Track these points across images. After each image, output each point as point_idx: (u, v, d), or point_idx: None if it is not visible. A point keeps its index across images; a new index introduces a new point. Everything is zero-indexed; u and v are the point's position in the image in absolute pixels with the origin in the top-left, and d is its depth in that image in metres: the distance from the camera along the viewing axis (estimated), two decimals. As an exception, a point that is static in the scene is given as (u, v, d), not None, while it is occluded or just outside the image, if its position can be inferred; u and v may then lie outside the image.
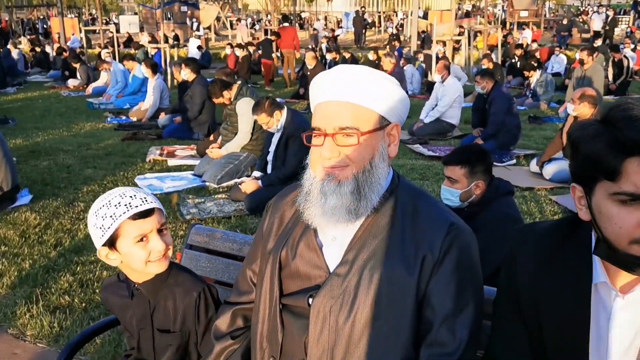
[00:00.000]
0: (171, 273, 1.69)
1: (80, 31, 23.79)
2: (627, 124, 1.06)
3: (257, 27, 34.64)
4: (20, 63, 16.94)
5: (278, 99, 5.88)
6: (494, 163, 6.47)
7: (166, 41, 25.30)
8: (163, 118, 8.63)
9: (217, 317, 1.64)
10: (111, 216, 1.55)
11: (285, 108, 5.07)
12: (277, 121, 4.98)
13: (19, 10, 42.80)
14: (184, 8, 30.20)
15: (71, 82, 13.87)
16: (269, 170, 5.14)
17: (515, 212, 2.93)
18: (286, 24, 20.23)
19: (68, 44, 22.05)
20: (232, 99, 5.81)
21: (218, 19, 33.79)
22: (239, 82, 6.05)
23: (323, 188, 1.40)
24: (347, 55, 16.46)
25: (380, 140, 1.44)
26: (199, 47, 19.85)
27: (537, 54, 16.27)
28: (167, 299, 1.67)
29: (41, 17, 41.77)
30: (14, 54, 16.59)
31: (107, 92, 11.70)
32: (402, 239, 1.40)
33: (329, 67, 10.15)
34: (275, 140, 5.08)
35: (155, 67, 9.49)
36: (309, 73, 12.59)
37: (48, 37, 28.84)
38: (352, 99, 1.40)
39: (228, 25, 32.93)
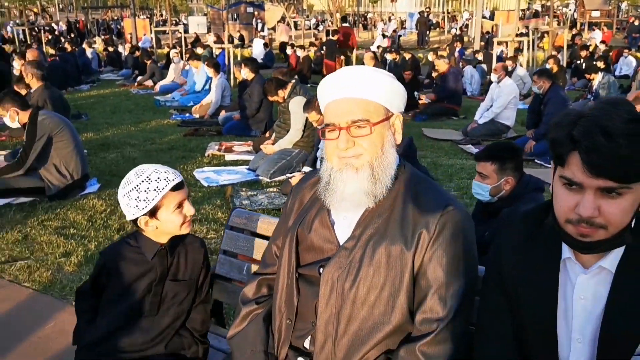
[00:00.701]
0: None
1: (151, 32, 24.79)
2: (581, 124, 1.21)
3: (320, 27, 34.99)
4: (94, 62, 17.88)
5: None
6: (544, 164, 6.56)
7: (231, 41, 26.04)
8: (223, 115, 9.01)
9: (245, 286, 1.88)
10: (155, 189, 1.84)
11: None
12: (327, 119, 5.19)
13: (94, 11, 44.88)
14: (250, 9, 30.90)
15: (141, 79, 14.55)
16: (318, 166, 5.36)
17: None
18: (345, 24, 20.45)
19: (139, 44, 23.05)
20: (285, 97, 6.08)
21: (283, 19, 34.41)
22: (293, 81, 6.30)
23: (342, 176, 1.59)
24: (408, 56, 16.45)
25: (387, 129, 1.62)
26: (265, 45, 20.35)
27: (611, 55, 15.81)
28: (181, 254, 2.01)
29: (115, 17, 43.66)
30: (89, 53, 17.53)
31: (184, 89, 12.22)
32: (402, 219, 1.58)
33: (389, 69, 10.30)
34: (324, 137, 5.30)
35: (217, 67, 9.92)
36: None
37: (121, 37, 30.16)
38: (361, 95, 1.59)
39: (293, 25, 33.49)
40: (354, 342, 1.56)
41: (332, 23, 29.02)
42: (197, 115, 9.93)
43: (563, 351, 1.38)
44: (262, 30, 28.66)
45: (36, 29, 28.19)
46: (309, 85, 14.89)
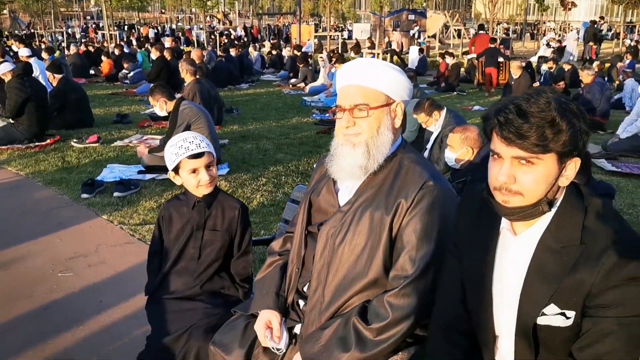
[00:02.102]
0: (220, 193, 2.49)
1: (315, 37, 26.09)
2: (506, 106, 1.42)
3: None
4: (258, 63, 19.32)
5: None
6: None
7: (390, 47, 26.49)
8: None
9: (274, 242, 2.25)
10: (175, 153, 2.35)
11: (445, 109, 5.45)
12: (435, 121, 5.39)
13: (269, 17, 48.01)
14: (412, 16, 31.22)
15: (294, 81, 15.53)
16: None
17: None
18: (481, 32, 20.07)
19: (303, 48, 24.41)
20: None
21: (447, 27, 34.20)
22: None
23: (342, 150, 1.91)
24: (567, 67, 15.68)
25: (386, 114, 1.90)
26: (420, 51, 20.56)
27: None
28: (218, 209, 2.44)
29: (286, 24, 46.36)
30: (254, 55, 19.01)
31: (330, 91, 12.93)
32: (389, 190, 1.86)
33: (544, 78, 10.02)
34: (432, 138, 5.50)
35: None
36: (512, 82, 12.50)
37: (288, 41, 32.05)
38: (363, 82, 1.89)
39: (455, 34, 33.17)
40: (338, 289, 1.87)
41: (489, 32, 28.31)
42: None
43: (497, 311, 1.57)
44: (419, 37, 28.72)
45: (215, 33, 30.97)
46: (455, 93, 14.87)
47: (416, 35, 29.09)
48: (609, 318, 1.38)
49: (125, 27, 38.38)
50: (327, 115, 10.68)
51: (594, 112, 9.52)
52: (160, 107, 5.91)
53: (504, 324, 1.56)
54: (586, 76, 9.32)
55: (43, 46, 16.44)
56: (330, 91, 12.93)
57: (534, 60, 19.14)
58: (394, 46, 26.69)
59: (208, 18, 45.89)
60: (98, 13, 26.40)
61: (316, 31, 34.46)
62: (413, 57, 21.41)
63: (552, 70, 14.65)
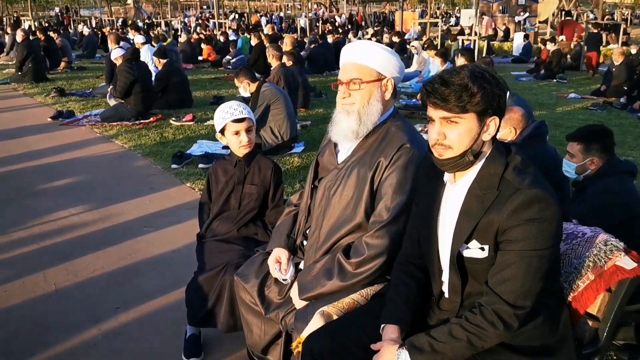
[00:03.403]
0: (258, 154, 2.96)
1: (420, 24, 26.07)
2: (430, 78, 1.75)
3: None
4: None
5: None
6: None
7: (495, 34, 25.88)
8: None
9: (292, 196, 2.69)
10: (222, 117, 2.83)
11: (508, 93, 5.58)
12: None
13: (376, 4, 48.05)
14: (521, 1, 30.20)
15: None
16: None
17: (623, 188, 3.17)
18: (568, 18, 19.17)
19: (406, 35, 24.46)
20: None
21: (564, 11, 32.69)
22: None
23: (339, 117, 2.31)
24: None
25: (377, 88, 2.27)
26: (525, 37, 20.07)
27: None
28: (255, 167, 2.93)
29: (393, 10, 46.22)
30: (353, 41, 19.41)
31: (423, 76, 13.10)
32: (374, 151, 2.24)
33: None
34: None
35: (445, 56, 10.51)
36: (613, 69, 12.04)
37: (393, 28, 32.15)
38: (358, 60, 2.26)
39: (574, 18, 31.65)
40: (330, 230, 2.28)
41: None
42: (421, 101, 10.67)
43: (441, 247, 1.92)
44: (524, 23, 27.75)
45: (321, 20, 31.72)
46: (555, 80, 14.50)
47: (522, 22, 28.12)
48: (513, 251, 1.70)
49: (236, 16, 40.07)
50: (413, 100, 10.91)
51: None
52: (244, 88, 6.51)
53: (444, 258, 1.90)
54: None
55: (154, 32, 17.87)
56: (423, 77, 13.10)
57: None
58: (485, 32, 26.00)
59: (315, 5, 46.87)
60: (213, 2, 27.93)
61: (422, 17, 34.28)
62: (517, 43, 20.92)
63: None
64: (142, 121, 8.27)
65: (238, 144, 2.88)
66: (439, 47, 13.71)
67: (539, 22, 29.17)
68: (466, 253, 1.80)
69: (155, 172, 6.07)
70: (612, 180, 3.19)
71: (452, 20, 45.64)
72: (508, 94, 5.61)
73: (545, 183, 1.77)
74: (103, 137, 7.67)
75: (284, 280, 2.41)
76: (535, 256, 1.68)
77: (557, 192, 3.28)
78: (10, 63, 14.24)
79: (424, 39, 20.02)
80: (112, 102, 8.98)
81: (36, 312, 3.39)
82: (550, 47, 15.39)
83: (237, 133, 2.86)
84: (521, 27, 26.53)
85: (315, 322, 2.08)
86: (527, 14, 28.81)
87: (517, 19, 28.33)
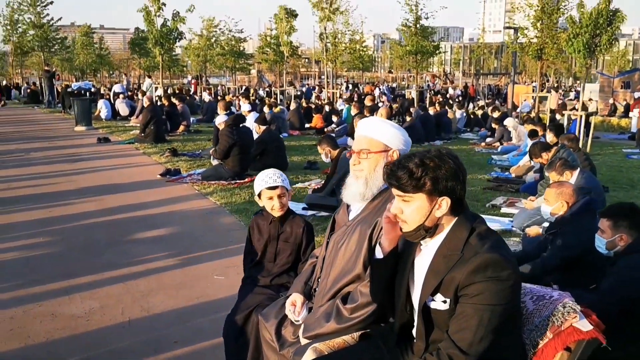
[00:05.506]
0: (291, 214, 3.31)
1: (532, 97, 25.67)
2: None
3: None
4: (462, 121, 19.88)
5: None
6: None
7: (614, 110, 24.86)
8: (531, 176, 9.57)
9: (316, 249, 3.05)
10: (259, 184, 3.25)
11: (578, 170, 5.64)
12: (566, 180, 5.61)
13: (492, 77, 47.85)
14: (644, 77, 28.95)
15: (490, 140, 15.80)
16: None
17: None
18: None
19: (519, 108, 24.25)
20: (548, 160, 6.57)
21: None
22: (557, 146, 6.71)
23: (350, 181, 2.68)
24: None
25: (383, 157, 2.62)
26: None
27: None
28: (288, 226, 3.29)
29: (507, 83, 45.86)
30: (457, 113, 19.64)
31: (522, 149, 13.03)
32: (376, 212, 2.57)
33: None
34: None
35: (534, 132, 10.48)
36: None
37: (506, 101, 31.87)
38: (368, 133, 2.64)
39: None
40: (335, 279, 2.62)
41: None
42: (513, 175, 10.63)
43: (414, 299, 2.18)
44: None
45: (432, 91, 32.19)
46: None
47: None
48: (468, 304, 1.95)
49: (350, 85, 41.67)
50: (506, 173, 10.88)
51: None
52: (325, 154, 7.02)
53: (415, 309, 2.17)
54: None
55: (268, 101, 19.26)
56: (521, 150, 13.01)
57: None
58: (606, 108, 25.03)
59: (427, 78, 47.62)
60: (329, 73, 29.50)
61: (541, 90, 33.74)
62: (635, 120, 20.09)
63: None
64: (237, 181, 9.01)
65: (270, 207, 3.30)
66: (546, 122, 13.60)
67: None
68: (432, 305, 2.06)
69: (237, 228, 6.64)
70: (638, 257, 3.25)
71: (572, 94, 44.43)
72: (577, 170, 5.67)
73: (504, 249, 2.02)
74: (200, 194, 8.46)
75: (297, 321, 2.74)
76: (487, 310, 1.92)
77: (599, 266, 3.42)
78: (138, 125, 15.92)
79: (533, 113, 19.80)
80: (214, 163, 9.87)
81: (110, 340, 3.95)
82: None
83: (270, 198, 3.28)
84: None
85: (308, 356, 2.39)
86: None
87: (636, 94, 27.20)
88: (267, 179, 3.29)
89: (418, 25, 24.56)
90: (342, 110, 19.02)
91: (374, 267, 2.29)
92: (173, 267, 5.33)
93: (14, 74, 44.77)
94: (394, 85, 47.40)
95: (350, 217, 2.72)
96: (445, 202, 2.05)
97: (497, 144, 15.26)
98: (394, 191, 2.08)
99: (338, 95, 27.80)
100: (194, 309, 4.43)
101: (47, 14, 30.97)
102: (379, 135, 2.62)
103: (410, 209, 2.06)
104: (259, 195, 3.34)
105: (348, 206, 2.77)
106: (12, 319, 4.25)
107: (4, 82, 40.65)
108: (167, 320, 4.24)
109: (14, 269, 5.29)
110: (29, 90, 31.31)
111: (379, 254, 2.26)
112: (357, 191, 2.62)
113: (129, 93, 26.36)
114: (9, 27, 31.98)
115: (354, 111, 14.05)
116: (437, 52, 26.80)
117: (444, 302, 2.03)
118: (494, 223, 6.90)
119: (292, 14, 27.17)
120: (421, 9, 24.43)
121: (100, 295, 4.67)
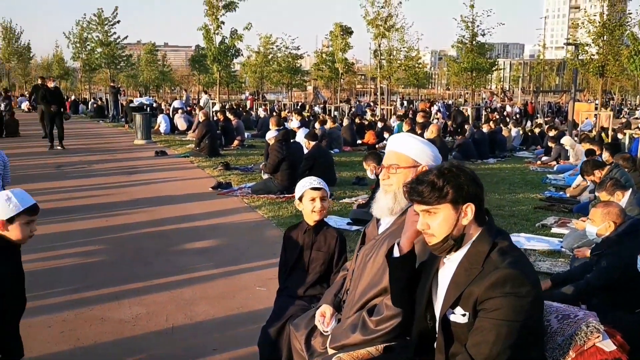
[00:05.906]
0: (326, 224, 3.39)
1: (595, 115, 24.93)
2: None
3: None
4: (517, 139, 19.51)
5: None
6: None
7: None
8: (586, 196, 9.31)
9: (348, 262, 3.10)
10: (303, 186, 3.36)
11: (630, 191, 5.47)
12: (617, 201, 5.45)
13: (553, 95, 46.77)
14: None
15: (546, 159, 15.45)
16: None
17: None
18: None
19: (580, 127, 23.64)
20: (600, 179, 6.40)
21: None
22: (610, 165, 6.52)
23: (379, 195, 2.74)
24: None
25: (412, 173, 2.66)
26: None
27: None
28: (322, 235, 3.37)
29: (568, 101, 44.68)
30: (513, 131, 19.29)
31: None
32: (402, 228, 2.60)
33: None
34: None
35: (593, 152, 10.19)
36: None
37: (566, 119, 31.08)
38: (397, 149, 2.69)
39: None
40: (363, 292, 2.66)
41: None
42: (568, 195, 10.36)
43: (436, 312, 2.20)
44: None
45: (489, 108, 31.78)
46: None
47: None
48: (486, 319, 1.97)
49: (405, 102, 41.59)
50: (560, 193, 10.61)
51: None
52: (370, 170, 7.07)
53: (437, 321, 2.19)
54: None
55: (322, 117, 19.47)
56: (577, 169, 12.65)
57: None
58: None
59: (485, 95, 46.98)
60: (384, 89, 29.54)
61: (605, 108, 32.75)
62: None
63: None
64: (286, 195, 9.15)
65: (312, 208, 3.38)
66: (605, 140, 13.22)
67: None
68: (452, 317, 2.09)
69: (281, 241, 6.72)
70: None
71: (638, 113, 42.93)
72: (629, 191, 5.52)
73: (525, 265, 2.03)
74: (249, 207, 8.64)
75: (325, 331, 2.79)
76: (505, 325, 1.93)
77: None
78: (194, 139, 16.38)
79: (594, 131, 19.28)
80: (264, 177, 10.06)
81: (154, 344, 4.12)
82: None
83: (313, 199, 3.37)
84: None
85: (332, 365, 2.45)
86: None
87: None
88: (310, 181, 3.42)
89: (474, 42, 24.39)
90: (394, 126, 19.02)
91: (391, 267, 2.33)
92: (217, 277, 5.48)
93: (82, 90, 46.98)
94: (451, 102, 46.90)
95: (379, 231, 2.77)
96: (470, 209, 2.07)
97: (553, 162, 14.90)
98: (417, 207, 2.12)
99: (392, 111, 27.77)
100: (234, 318, 4.55)
101: (114, 32, 32.48)
102: (407, 151, 2.66)
103: (437, 221, 2.09)
104: (300, 198, 3.43)
105: (378, 220, 2.82)
106: (64, 321, 4.48)
107: (73, 97, 42.65)
108: (208, 328, 4.36)
109: (70, 275, 5.56)
110: (95, 105, 32.71)
111: (396, 252, 2.31)
112: (385, 206, 2.67)
113: (188, 108, 27.14)
114: (78, 45, 33.69)
115: (405, 128, 14.04)
116: (493, 69, 26.45)
117: (463, 315, 2.05)
118: (542, 243, 6.76)
119: (347, 31, 27.48)
120: (477, 26, 24.28)
121: (147, 302, 4.86)
